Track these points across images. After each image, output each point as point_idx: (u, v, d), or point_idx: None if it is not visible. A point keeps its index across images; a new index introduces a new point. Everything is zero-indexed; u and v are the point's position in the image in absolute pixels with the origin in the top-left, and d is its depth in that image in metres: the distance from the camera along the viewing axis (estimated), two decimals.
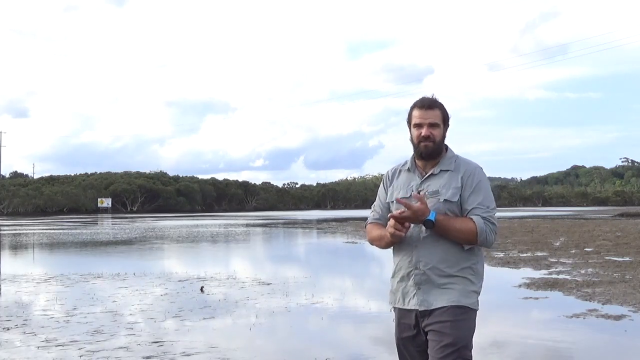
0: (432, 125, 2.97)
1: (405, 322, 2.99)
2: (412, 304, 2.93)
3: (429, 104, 3.00)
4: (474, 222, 2.85)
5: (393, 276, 3.06)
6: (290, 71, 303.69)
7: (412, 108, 3.05)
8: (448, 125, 3.05)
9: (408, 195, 2.99)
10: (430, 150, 2.97)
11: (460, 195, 2.92)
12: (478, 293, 2.94)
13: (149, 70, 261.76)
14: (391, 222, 2.88)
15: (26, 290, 10.13)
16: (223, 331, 6.94)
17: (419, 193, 2.96)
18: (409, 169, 3.07)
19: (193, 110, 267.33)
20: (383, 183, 3.19)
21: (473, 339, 2.91)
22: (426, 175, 3.00)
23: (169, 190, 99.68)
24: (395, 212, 2.89)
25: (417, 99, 3.05)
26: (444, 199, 2.90)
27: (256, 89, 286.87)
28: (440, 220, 2.83)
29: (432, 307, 2.87)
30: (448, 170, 2.97)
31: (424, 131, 2.96)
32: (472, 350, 2.89)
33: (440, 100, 3.06)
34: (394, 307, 3.06)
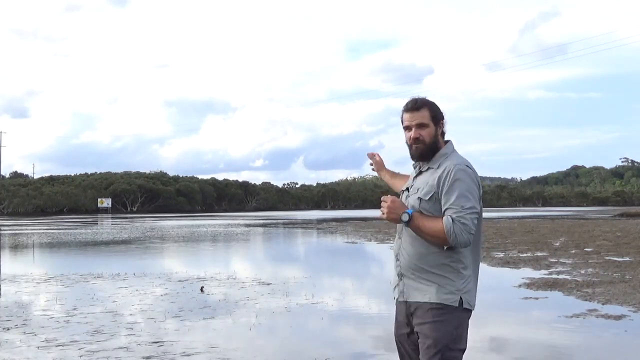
0: (419, 126, 2.98)
1: (400, 320, 3.03)
2: (395, 295, 3.03)
3: (415, 106, 3.01)
4: (442, 222, 2.81)
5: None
6: (290, 71, 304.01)
7: (402, 111, 3.08)
8: (442, 123, 3.03)
9: (405, 188, 3.10)
10: (420, 152, 3.00)
11: (435, 193, 2.89)
12: (462, 291, 2.87)
13: (149, 70, 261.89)
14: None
15: (26, 290, 10.13)
16: (223, 331, 6.94)
17: (407, 189, 3.06)
18: (413, 166, 3.14)
19: (193, 110, 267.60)
20: None
21: (465, 337, 2.87)
22: (417, 172, 3.05)
23: (169, 190, 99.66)
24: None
25: (406, 101, 3.07)
26: (418, 197, 2.93)
27: (256, 89, 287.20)
28: (415, 217, 2.85)
29: (410, 300, 2.92)
30: (431, 168, 2.98)
31: (412, 133, 2.99)
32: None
33: (430, 100, 3.05)
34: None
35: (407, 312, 2.96)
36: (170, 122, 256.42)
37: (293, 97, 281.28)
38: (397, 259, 3.01)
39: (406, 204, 2.97)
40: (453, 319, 2.84)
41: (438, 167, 2.93)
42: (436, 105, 3.04)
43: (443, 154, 2.99)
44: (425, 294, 2.87)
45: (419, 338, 2.91)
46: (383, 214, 2.91)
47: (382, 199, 2.93)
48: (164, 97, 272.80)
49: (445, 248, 2.85)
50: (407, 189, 3.08)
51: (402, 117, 3.08)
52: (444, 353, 2.79)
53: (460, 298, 2.85)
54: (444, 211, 2.83)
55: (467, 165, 2.90)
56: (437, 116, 3.01)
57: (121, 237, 26.28)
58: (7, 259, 17.22)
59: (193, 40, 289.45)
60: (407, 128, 3.02)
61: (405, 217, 2.85)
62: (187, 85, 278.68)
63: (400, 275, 2.99)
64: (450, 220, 2.77)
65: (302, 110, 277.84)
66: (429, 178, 2.93)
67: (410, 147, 3.03)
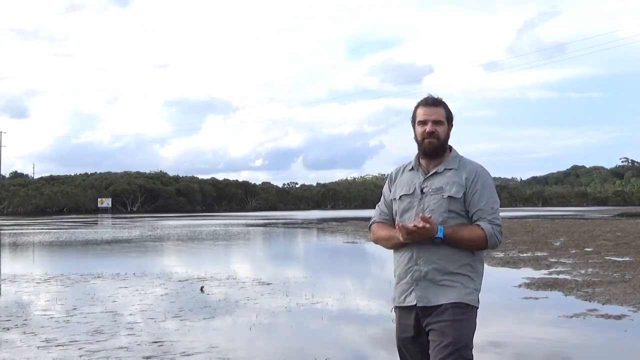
0: (436, 122, 3.00)
1: (405, 322, 2.99)
2: (409, 300, 2.95)
3: (433, 102, 3.05)
4: (481, 228, 2.88)
5: (394, 274, 3.09)
6: (291, 71, 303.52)
7: (416, 107, 3.09)
8: (452, 125, 3.08)
9: (411, 192, 3.02)
10: (434, 147, 3.00)
11: (464, 193, 2.93)
12: (478, 290, 2.97)
13: (149, 70, 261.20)
14: (403, 232, 2.90)
15: (26, 290, 10.13)
16: (223, 331, 6.94)
17: (422, 191, 2.99)
18: (412, 168, 3.11)
19: (193, 110, 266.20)
20: (388, 182, 3.22)
21: (473, 338, 2.92)
22: (430, 173, 3.02)
23: (169, 190, 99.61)
24: (409, 224, 2.88)
25: (422, 98, 3.10)
26: (448, 196, 2.93)
27: (257, 89, 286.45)
28: (449, 234, 2.87)
29: (432, 304, 2.89)
30: (452, 169, 3.00)
31: (428, 127, 2.99)
32: (474, 350, 2.90)
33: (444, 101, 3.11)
34: (395, 307, 3.07)
35: (418, 315, 2.93)
36: (170, 122, 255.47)
37: (293, 97, 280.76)
38: (416, 264, 2.94)
39: (422, 205, 2.96)
40: (472, 318, 2.91)
41: (459, 168, 2.98)
42: (449, 107, 3.10)
43: (455, 156, 3.05)
44: (449, 294, 2.88)
45: (428, 336, 2.89)
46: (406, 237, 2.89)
47: (405, 229, 2.86)
48: (165, 97, 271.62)
49: (475, 254, 2.94)
50: (421, 190, 3.00)
51: (415, 113, 3.09)
52: (462, 352, 2.81)
53: (477, 297, 2.96)
54: (475, 212, 2.91)
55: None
56: (450, 117, 3.07)
57: (121, 236, 26.29)
58: (7, 258, 17.23)
59: (194, 40, 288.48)
60: (422, 122, 3.02)
61: (437, 241, 2.86)
62: (188, 85, 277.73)
63: (418, 280, 2.93)
64: (489, 225, 2.87)
65: (302, 110, 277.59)
66: (454, 178, 2.96)
67: (422, 141, 3.02)
